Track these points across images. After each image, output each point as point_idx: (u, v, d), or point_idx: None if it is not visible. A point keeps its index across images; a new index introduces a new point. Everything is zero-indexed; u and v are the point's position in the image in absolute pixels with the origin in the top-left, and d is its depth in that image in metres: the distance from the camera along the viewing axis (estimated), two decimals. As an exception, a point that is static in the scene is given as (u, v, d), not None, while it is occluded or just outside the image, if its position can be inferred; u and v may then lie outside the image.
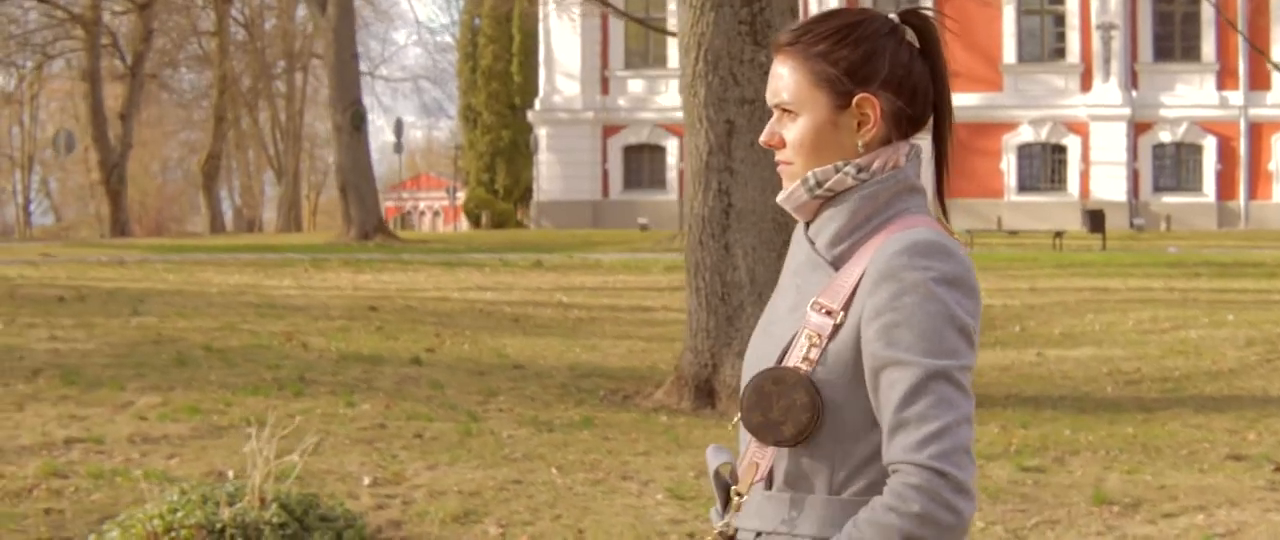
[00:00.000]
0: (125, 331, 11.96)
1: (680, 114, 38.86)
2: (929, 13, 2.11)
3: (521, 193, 49.90)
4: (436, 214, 71.28)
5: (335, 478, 7.47)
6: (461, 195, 54.59)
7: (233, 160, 57.63)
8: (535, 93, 46.04)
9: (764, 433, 1.97)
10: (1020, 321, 14.52)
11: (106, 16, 41.41)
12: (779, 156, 2.10)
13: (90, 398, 9.31)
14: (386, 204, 59.03)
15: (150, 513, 6.19)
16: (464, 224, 54.65)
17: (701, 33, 9.65)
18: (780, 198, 2.10)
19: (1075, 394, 10.56)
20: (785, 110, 2.07)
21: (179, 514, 6.12)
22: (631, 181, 42.69)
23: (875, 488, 1.94)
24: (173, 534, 6.08)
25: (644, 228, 38.92)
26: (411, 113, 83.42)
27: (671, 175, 42.31)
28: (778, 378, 1.97)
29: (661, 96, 42.38)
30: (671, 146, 42.29)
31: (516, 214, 48.95)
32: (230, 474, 7.59)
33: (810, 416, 1.95)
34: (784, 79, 2.07)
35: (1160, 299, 15.92)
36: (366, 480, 7.46)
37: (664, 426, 9.07)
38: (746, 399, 1.98)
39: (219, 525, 6.09)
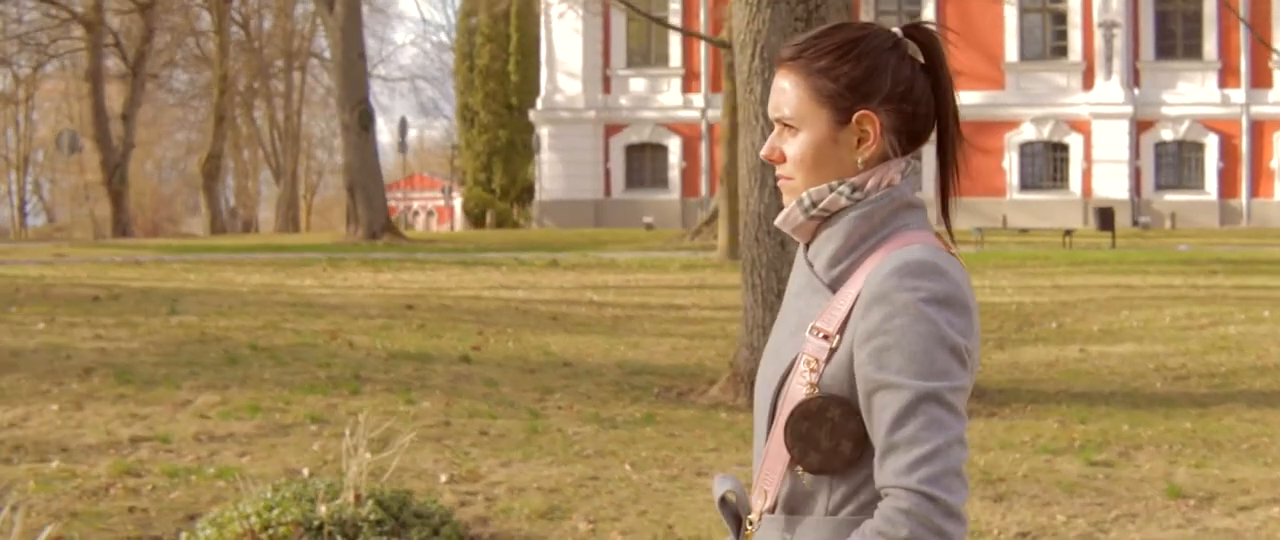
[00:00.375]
0: (168, 330, 11.93)
1: (682, 113, 38.87)
2: (932, 27, 2.10)
3: (518, 192, 49.92)
4: (430, 214, 71.29)
5: (411, 475, 7.46)
6: (457, 195, 54.56)
7: (229, 160, 57.53)
8: (532, 92, 46.06)
9: (828, 465, 1.97)
10: (1055, 318, 14.55)
11: (107, 16, 41.28)
12: (779, 171, 2.09)
13: (148, 396, 9.29)
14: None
15: (245, 510, 6.17)
16: (459, 224, 54.62)
17: (757, 30, 9.65)
18: (778, 220, 2.09)
19: (1125, 389, 10.59)
20: (786, 125, 2.07)
21: (275, 511, 6.11)
22: (633, 181, 42.69)
23: (868, 509, 1.94)
24: (270, 531, 6.07)
25: (649, 227, 38.92)
26: (408, 112, 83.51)
27: (673, 174, 42.33)
28: (804, 413, 1.97)
29: (663, 95, 42.38)
30: (673, 146, 42.29)
31: (513, 213, 48.95)
32: (305, 472, 7.59)
33: (857, 424, 1.95)
34: (786, 93, 2.06)
35: (1191, 296, 15.97)
36: (443, 477, 7.45)
37: (726, 423, 9.08)
38: (794, 449, 1.98)
39: (316, 522, 6.08)
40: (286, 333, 11.96)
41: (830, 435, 1.96)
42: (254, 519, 6.09)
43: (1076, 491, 7.43)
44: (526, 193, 48.98)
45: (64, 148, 37.07)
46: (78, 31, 40.48)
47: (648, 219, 40.11)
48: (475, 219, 49.32)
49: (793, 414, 1.97)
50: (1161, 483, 7.61)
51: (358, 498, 6.22)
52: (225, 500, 7.06)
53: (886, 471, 1.89)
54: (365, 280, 18.34)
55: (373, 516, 6.13)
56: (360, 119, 30.48)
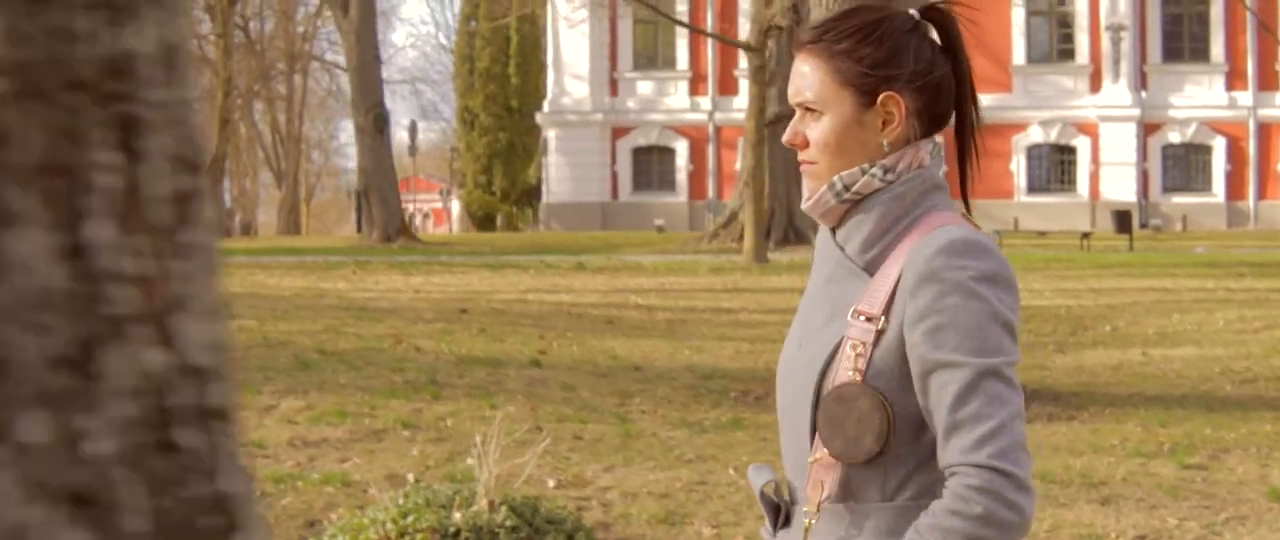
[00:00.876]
0: (229, 334, 11.91)
1: (689, 115, 39.03)
2: (950, 8, 2.12)
3: (518, 194, 49.93)
4: (426, 216, 71.21)
5: (519, 480, 7.45)
6: (454, 197, 54.49)
7: (230, 163, 57.46)
8: (532, 94, 46.12)
9: (849, 453, 1.97)
10: (1107, 321, 14.61)
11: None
12: (803, 157, 2.07)
13: (231, 401, 9.24)
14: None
15: (378, 516, 6.17)
16: (456, 226, 54.50)
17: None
18: (806, 206, 2.08)
19: (1197, 393, 10.63)
20: (809, 109, 2.06)
21: (410, 518, 6.10)
22: (640, 183, 42.72)
23: (928, 492, 1.95)
24: (407, 538, 6.06)
25: (661, 229, 38.93)
26: (409, 115, 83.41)
27: (681, 177, 42.34)
28: (839, 396, 1.96)
29: (670, 98, 42.41)
30: (680, 148, 42.31)
31: (514, 215, 49.00)
32: (409, 477, 7.58)
33: (882, 418, 1.95)
34: (807, 78, 2.05)
35: (1235, 299, 16.06)
36: (550, 482, 7.45)
37: (811, 427, 9.14)
38: (822, 430, 1.98)
39: (452, 529, 6.07)
40: (349, 337, 11.95)
41: (856, 425, 1.95)
42: (389, 525, 6.09)
43: (1180, 494, 7.45)
44: (526, 195, 49.01)
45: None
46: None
47: (659, 221, 40.13)
48: (480, 221, 49.28)
49: (828, 396, 1.97)
50: (1260, 486, 7.64)
51: (491, 504, 6.22)
52: (338, 506, 7.06)
53: (953, 450, 1.89)
54: (397, 283, 18.32)
55: (508, 523, 6.11)
56: (375, 122, 30.48)
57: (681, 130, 42.24)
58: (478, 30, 50.48)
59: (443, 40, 71.81)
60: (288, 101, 54.72)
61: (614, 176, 42.73)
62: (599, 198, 42.50)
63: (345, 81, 57.73)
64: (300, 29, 53.76)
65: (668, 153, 42.48)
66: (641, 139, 42.52)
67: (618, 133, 42.68)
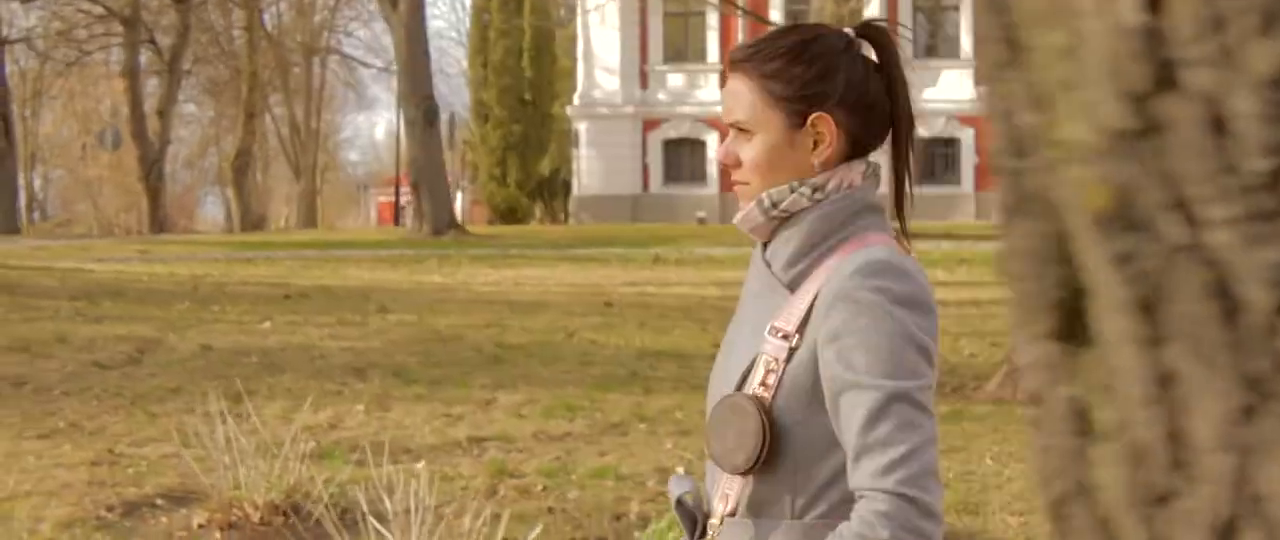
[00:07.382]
0: (399, 329, 11.97)
1: (719, 108, 38.44)
2: (885, 26, 2.10)
3: (533, 187, 50.07)
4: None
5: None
6: (458, 191, 54.57)
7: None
8: (546, 88, 46.24)
9: (723, 460, 2.01)
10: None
11: (145, 15, 41.10)
12: (735, 176, 2.09)
13: (446, 396, 9.34)
14: (382, 199, 59.34)
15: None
16: (462, 218, 54.32)
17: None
18: (736, 220, 2.09)
19: None
20: (741, 129, 2.07)
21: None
22: (671, 175, 42.78)
23: (836, 511, 1.95)
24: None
25: (702, 221, 38.97)
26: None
27: (712, 169, 42.35)
28: (734, 405, 1.99)
29: (701, 91, 42.48)
30: (712, 140, 42.37)
31: (552, 207, 49.14)
32: (680, 470, 7.66)
33: (756, 443, 1.96)
34: (739, 98, 2.07)
35: None
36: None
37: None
38: (710, 428, 2.02)
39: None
40: (516, 331, 12.02)
41: (736, 437, 1.98)
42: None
43: None
44: (541, 187, 49.17)
45: (107, 143, 36.96)
46: (118, 28, 40.28)
47: (701, 214, 40.15)
48: (502, 214, 49.32)
49: (728, 398, 2.01)
50: None
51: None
52: (629, 499, 7.14)
53: (862, 473, 1.89)
54: (493, 276, 18.38)
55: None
56: (426, 114, 30.49)
57: (712, 122, 42.28)
58: (491, 23, 50.53)
59: (454, 35, 71.79)
60: (306, 94, 54.61)
61: (645, 169, 42.78)
62: (630, 190, 42.54)
63: (364, 74, 57.65)
64: (318, 18, 53.69)
65: (699, 145, 42.52)
66: (672, 131, 42.57)
67: (648, 125, 42.73)
